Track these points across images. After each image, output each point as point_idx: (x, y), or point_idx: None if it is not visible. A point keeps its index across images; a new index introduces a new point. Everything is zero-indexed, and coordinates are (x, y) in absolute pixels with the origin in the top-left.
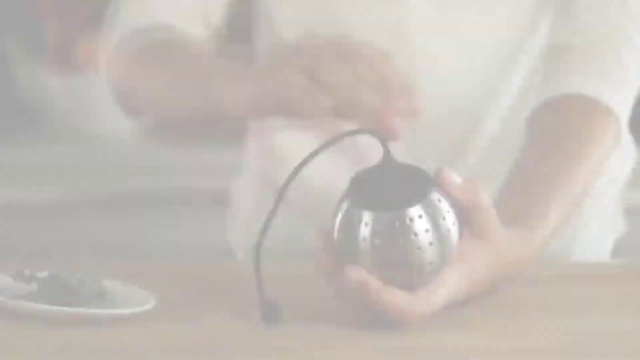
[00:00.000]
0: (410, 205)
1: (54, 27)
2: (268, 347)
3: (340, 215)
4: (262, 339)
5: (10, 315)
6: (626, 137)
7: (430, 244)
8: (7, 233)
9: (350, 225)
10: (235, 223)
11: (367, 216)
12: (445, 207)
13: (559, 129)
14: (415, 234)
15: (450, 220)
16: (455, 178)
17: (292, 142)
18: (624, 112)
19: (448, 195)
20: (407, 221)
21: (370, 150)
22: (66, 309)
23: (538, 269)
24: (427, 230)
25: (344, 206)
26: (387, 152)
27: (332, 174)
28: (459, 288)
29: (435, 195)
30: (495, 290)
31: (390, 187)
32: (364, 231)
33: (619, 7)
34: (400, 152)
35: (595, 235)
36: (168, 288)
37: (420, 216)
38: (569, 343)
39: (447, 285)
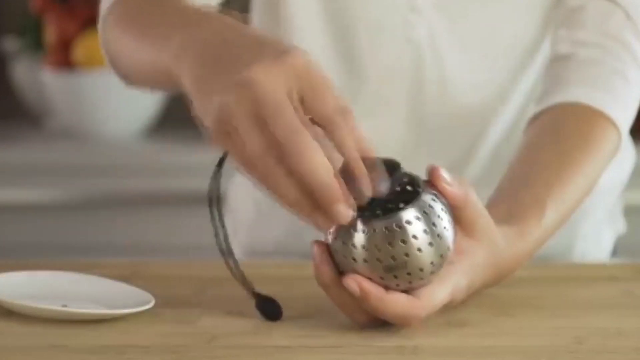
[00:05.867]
0: (406, 208)
1: (54, 27)
2: (267, 346)
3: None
4: (261, 338)
5: (10, 315)
6: (625, 137)
7: (430, 244)
8: (6, 232)
9: (346, 233)
10: (232, 223)
11: (362, 223)
12: (439, 206)
13: (557, 133)
14: (415, 237)
15: (445, 219)
16: (445, 174)
17: None
18: (625, 124)
19: (440, 193)
20: (405, 224)
21: None
22: (66, 309)
23: (537, 269)
24: (425, 231)
25: None
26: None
27: None
28: (459, 286)
29: (428, 196)
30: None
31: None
32: (361, 238)
33: (622, 19)
34: (406, 158)
35: (595, 234)
36: (168, 288)
37: (417, 217)
38: (568, 343)
39: (448, 284)
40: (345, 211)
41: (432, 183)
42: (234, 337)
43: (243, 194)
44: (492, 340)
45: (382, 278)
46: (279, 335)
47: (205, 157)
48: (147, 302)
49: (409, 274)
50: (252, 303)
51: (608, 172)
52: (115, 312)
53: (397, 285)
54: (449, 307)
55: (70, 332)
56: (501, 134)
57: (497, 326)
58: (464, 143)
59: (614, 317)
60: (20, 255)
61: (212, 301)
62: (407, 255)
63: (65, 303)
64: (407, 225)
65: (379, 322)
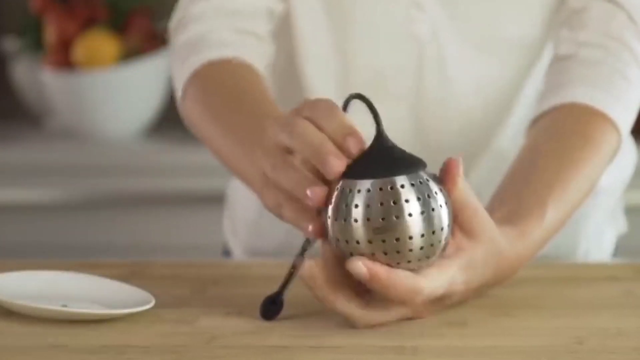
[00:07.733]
0: (400, 174)
1: (54, 27)
2: (267, 346)
3: (333, 197)
4: (261, 338)
5: (11, 315)
6: (626, 137)
7: (422, 212)
8: (6, 232)
9: (343, 199)
10: (233, 222)
11: (358, 185)
12: (433, 187)
13: (557, 133)
14: (407, 200)
15: (439, 200)
16: (461, 170)
17: None
18: (626, 124)
19: (440, 182)
20: (398, 187)
21: None
22: (66, 309)
23: (537, 269)
24: (418, 199)
25: (337, 186)
26: (379, 129)
27: None
28: (456, 280)
29: (423, 175)
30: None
31: (381, 161)
32: (357, 199)
33: (625, 21)
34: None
35: (597, 234)
36: (168, 288)
37: (412, 184)
38: (568, 343)
39: (445, 274)
40: (338, 162)
41: (443, 174)
42: (234, 337)
43: (243, 194)
44: (492, 340)
45: (370, 242)
46: (278, 335)
47: (205, 157)
48: (147, 302)
49: (397, 239)
50: (251, 303)
51: (609, 172)
52: (115, 312)
53: (385, 253)
54: (447, 305)
55: (70, 332)
56: (504, 142)
57: (497, 326)
58: (465, 151)
59: (614, 317)
60: (20, 255)
61: (211, 301)
62: (397, 217)
63: (65, 303)
64: (400, 188)
65: (379, 327)
